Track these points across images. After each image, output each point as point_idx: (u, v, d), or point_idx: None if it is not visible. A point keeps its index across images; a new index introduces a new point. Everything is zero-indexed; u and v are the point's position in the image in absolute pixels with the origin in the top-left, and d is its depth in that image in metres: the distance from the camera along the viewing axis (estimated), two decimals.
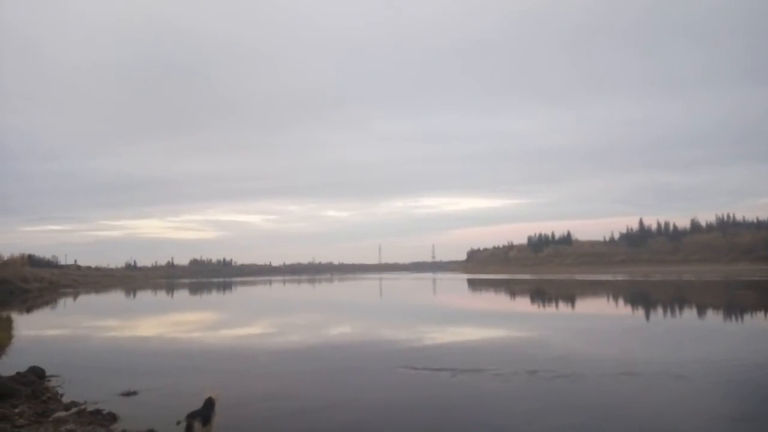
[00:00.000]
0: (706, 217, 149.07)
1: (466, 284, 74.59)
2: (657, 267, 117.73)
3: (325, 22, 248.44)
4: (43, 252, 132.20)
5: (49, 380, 12.40)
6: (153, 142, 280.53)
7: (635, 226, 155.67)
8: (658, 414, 9.08)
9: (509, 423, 8.76)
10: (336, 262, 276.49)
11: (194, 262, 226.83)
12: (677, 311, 29.11)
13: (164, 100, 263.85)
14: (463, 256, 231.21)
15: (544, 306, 35.94)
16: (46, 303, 48.69)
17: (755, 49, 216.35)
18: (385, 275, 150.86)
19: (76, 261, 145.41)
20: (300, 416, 9.49)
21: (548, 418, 8.95)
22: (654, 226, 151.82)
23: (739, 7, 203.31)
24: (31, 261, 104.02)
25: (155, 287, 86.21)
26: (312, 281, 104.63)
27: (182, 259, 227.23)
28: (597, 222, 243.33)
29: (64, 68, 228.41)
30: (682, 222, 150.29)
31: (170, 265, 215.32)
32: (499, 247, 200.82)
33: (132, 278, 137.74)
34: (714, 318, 25.21)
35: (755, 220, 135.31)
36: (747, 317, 25.28)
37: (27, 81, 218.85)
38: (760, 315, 26.24)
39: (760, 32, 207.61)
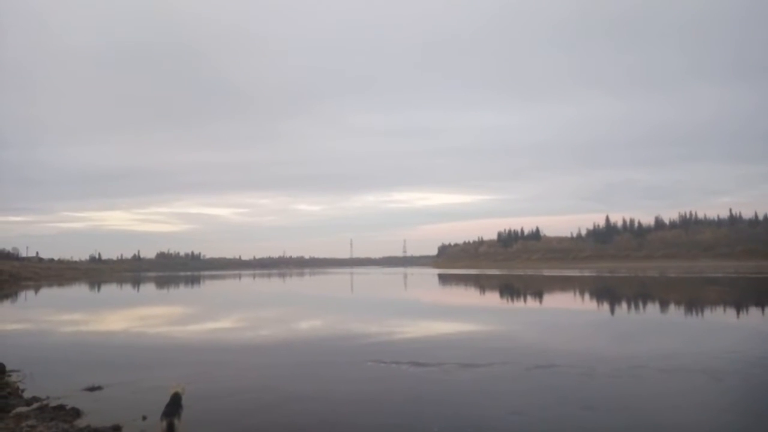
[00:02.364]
0: (670, 214, 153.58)
1: (436, 279, 75.09)
2: (622, 263, 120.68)
3: (301, 17, 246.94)
4: (4, 244, 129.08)
5: (10, 375, 12.03)
6: (121, 133, 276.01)
7: (602, 222, 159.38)
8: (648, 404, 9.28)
9: (480, 413, 8.82)
10: (307, 257, 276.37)
11: (161, 256, 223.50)
12: (656, 307, 29.64)
13: (134, 91, 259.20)
14: (434, 251, 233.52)
15: (513, 301, 36.39)
16: (6, 296, 47.33)
17: (736, 50, 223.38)
18: (356, 270, 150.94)
19: (38, 253, 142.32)
20: (270, 409, 9.41)
21: (526, 412, 9.02)
22: (620, 223, 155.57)
23: (724, 7, 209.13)
24: None
25: (121, 281, 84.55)
26: (282, 275, 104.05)
27: (149, 253, 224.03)
28: (565, 218, 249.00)
29: (27, 52, 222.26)
30: (647, 219, 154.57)
31: (136, 259, 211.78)
32: (469, 243, 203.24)
33: (97, 271, 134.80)
34: (695, 314, 25.80)
35: (716, 218, 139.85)
36: (720, 313, 25.93)
37: None
38: (732, 311, 26.92)
39: (743, 32, 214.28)
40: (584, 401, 9.51)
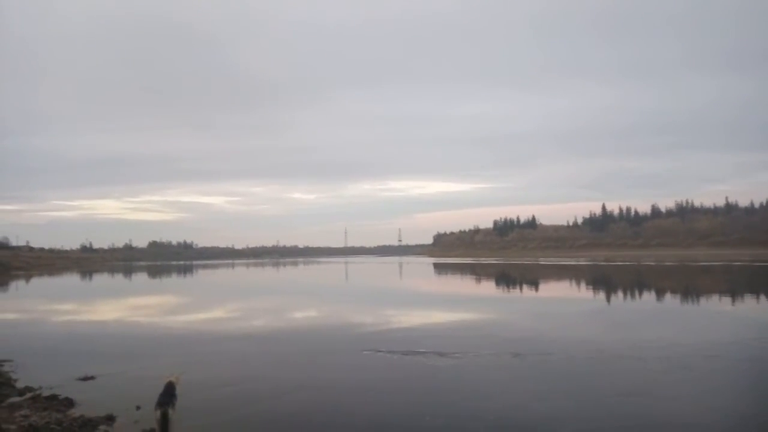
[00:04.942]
0: (666, 203, 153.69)
1: (432, 268, 75.10)
2: (618, 251, 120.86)
3: (298, 5, 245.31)
4: None
5: (2, 365, 11.92)
6: (113, 121, 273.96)
7: (598, 210, 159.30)
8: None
9: (470, 404, 8.74)
10: (301, 246, 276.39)
11: (153, 245, 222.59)
12: (661, 295, 29.33)
13: (127, 78, 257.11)
14: (429, 240, 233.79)
15: (510, 290, 36.35)
16: None
17: (729, 39, 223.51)
18: (351, 259, 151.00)
19: (28, 242, 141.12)
20: (265, 399, 9.33)
21: (513, 399, 8.98)
22: (616, 212, 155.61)
23: None
24: None
25: (112, 270, 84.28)
26: (276, 265, 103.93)
27: (141, 242, 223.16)
28: (562, 206, 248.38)
29: (17, 42, 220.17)
30: (644, 207, 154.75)
31: (128, 248, 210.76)
32: (465, 231, 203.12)
33: (88, 261, 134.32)
34: (698, 301, 25.65)
35: (712, 206, 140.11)
36: (729, 301, 25.92)
37: None
38: (726, 298, 26.89)
39: (736, 22, 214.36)
40: (613, 389, 9.43)
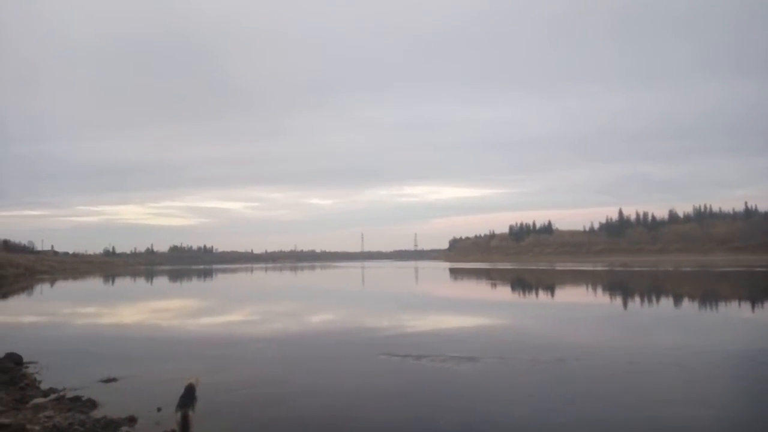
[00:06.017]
0: (684, 208, 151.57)
1: (447, 273, 74.89)
2: (635, 256, 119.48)
3: (311, 11, 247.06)
4: (19, 237, 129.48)
5: (27, 367, 12.19)
6: (134, 127, 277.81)
7: (615, 216, 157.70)
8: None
9: (490, 408, 8.80)
10: (318, 250, 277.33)
11: (174, 249, 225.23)
12: (682, 301, 28.96)
13: (147, 85, 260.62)
14: (445, 245, 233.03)
15: (527, 295, 36.10)
16: (23, 289, 47.94)
17: (741, 42, 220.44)
18: (367, 263, 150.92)
19: (53, 247, 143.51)
20: (283, 402, 9.46)
21: (533, 404, 8.99)
22: (633, 217, 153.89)
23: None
24: (7, 246, 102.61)
25: (134, 274, 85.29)
26: (294, 269, 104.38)
27: (162, 246, 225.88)
28: (578, 212, 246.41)
29: (39, 48, 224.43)
30: (661, 212, 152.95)
31: (150, 252, 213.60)
32: (480, 236, 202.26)
33: (111, 265, 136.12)
34: (728, 308, 25.24)
35: (731, 211, 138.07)
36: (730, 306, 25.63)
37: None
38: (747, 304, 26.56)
39: (747, 24, 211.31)
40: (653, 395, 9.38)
